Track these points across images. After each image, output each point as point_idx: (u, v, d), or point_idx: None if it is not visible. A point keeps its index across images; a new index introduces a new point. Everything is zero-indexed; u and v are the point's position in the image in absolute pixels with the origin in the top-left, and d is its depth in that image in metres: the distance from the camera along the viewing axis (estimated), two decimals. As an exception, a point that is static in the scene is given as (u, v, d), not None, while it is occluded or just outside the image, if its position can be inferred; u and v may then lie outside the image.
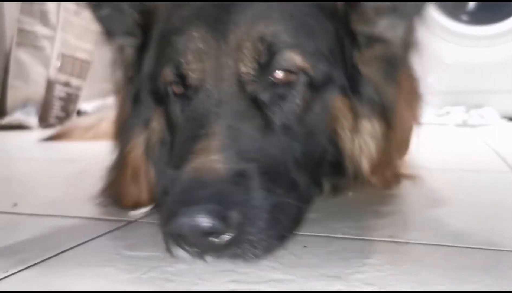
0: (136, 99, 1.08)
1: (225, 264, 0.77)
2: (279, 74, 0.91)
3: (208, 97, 0.88)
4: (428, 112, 3.18)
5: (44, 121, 3.51)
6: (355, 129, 1.02)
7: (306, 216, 0.92)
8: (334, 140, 1.00)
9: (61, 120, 3.53)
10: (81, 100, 3.68)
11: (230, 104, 0.87)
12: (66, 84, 3.63)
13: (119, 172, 1.11)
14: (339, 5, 1.02)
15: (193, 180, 0.74)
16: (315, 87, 0.94)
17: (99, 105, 3.34)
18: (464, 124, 3.14)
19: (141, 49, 1.07)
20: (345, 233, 0.92)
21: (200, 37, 0.91)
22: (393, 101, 1.06)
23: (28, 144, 2.68)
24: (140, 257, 0.82)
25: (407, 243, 0.87)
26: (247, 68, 0.90)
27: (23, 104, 3.51)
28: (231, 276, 0.73)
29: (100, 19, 1.08)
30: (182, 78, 0.93)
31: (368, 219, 1.04)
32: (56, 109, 3.55)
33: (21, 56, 3.53)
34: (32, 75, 3.52)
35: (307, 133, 0.94)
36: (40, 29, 3.51)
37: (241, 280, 0.72)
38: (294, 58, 0.91)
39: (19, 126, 3.46)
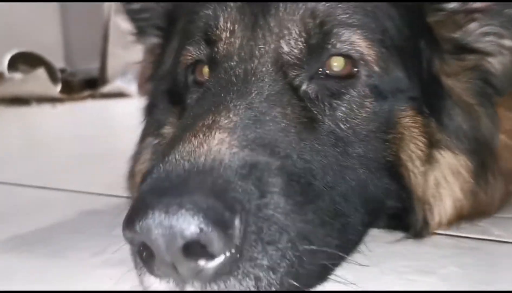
0: (150, 108, 0.95)
1: None
2: (333, 62, 0.70)
3: (233, 74, 0.69)
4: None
5: (142, 88, 3.53)
6: (429, 159, 0.75)
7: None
8: (397, 170, 0.73)
9: (159, 87, 3.55)
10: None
11: (258, 85, 0.66)
12: (163, 50, 3.64)
13: (130, 182, 0.97)
14: None
15: (179, 165, 0.51)
16: (378, 91, 0.71)
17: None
18: None
19: (164, 47, 0.94)
20: None
21: (236, 6, 0.73)
22: (492, 132, 0.78)
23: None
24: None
25: None
26: (290, 47, 0.70)
27: (123, 72, 3.56)
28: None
29: (131, 14, 1.01)
30: (209, 46, 0.75)
31: None
32: (153, 76, 3.58)
33: (120, 23, 3.55)
34: (131, 42, 3.54)
35: (361, 151, 0.69)
36: (137, -6, 3.51)
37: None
38: (356, 41, 0.70)
39: (119, 94, 3.50)
